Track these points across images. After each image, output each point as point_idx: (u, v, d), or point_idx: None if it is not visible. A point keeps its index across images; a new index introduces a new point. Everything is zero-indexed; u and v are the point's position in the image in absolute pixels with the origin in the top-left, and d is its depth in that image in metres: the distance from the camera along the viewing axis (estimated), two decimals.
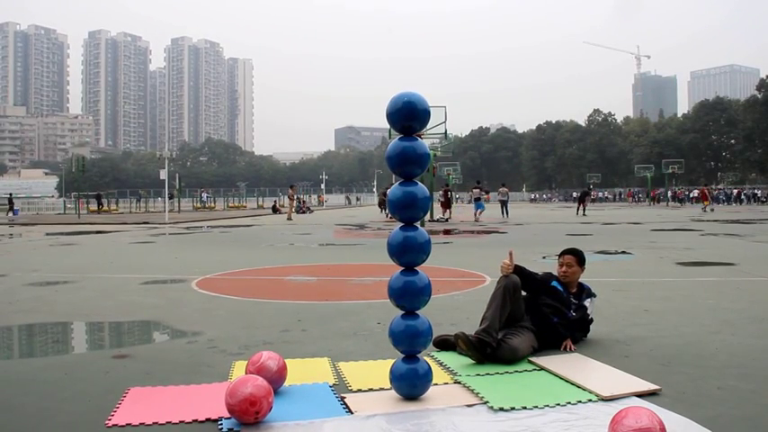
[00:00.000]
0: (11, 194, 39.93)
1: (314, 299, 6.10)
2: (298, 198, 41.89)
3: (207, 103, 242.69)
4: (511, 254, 3.95)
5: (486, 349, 3.63)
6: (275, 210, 36.42)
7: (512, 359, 3.63)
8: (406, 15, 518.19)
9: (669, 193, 56.35)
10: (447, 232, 17.31)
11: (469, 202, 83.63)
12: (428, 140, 21.71)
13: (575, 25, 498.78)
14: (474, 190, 24.99)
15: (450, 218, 24.81)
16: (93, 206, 42.40)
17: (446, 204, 26.11)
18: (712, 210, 29.36)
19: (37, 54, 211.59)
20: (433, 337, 3.32)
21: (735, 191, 59.48)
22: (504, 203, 27.63)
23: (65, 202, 47.90)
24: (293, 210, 29.01)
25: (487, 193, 36.96)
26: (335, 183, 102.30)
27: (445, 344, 3.91)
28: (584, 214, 27.95)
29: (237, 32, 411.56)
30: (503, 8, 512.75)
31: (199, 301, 6.06)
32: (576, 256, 4.24)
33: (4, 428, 2.79)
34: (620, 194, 75.03)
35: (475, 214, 24.39)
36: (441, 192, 26.62)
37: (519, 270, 3.97)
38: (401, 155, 3.06)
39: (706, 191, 36.98)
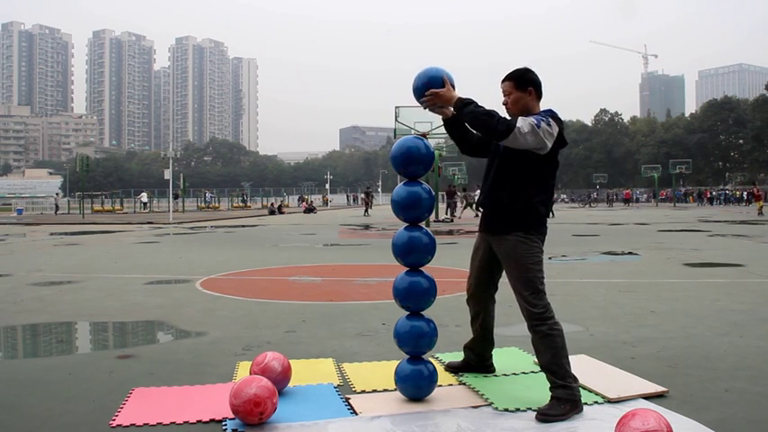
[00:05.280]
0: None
1: (318, 299, 6.08)
2: (305, 198, 42.32)
3: (211, 102, 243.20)
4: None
5: (471, 364, 3.48)
6: (280, 210, 35.84)
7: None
8: (420, 25, 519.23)
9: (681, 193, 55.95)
10: (452, 233, 17.27)
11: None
12: (433, 140, 21.69)
13: (580, 26, 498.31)
14: None
15: (447, 218, 24.73)
16: (98, 205, 42.57)
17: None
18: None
19: (41, 54, 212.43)
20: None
21: (745, 192, 58.75)
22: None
23: (69, 201, 48.15)
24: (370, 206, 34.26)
25: None
26: (340, 183, 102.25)
27: (456, 369, 3.60)
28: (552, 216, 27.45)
29: (240, 32, 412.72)
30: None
31: (203, 301, 6.05)
32: (513, 80, 3.07)
33: (8, 428, 2.78)
34: (617, 195, 73.85)
35: None
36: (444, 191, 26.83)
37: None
38: (406, 155, 3.05)
39: (756, 189, 32.05)
